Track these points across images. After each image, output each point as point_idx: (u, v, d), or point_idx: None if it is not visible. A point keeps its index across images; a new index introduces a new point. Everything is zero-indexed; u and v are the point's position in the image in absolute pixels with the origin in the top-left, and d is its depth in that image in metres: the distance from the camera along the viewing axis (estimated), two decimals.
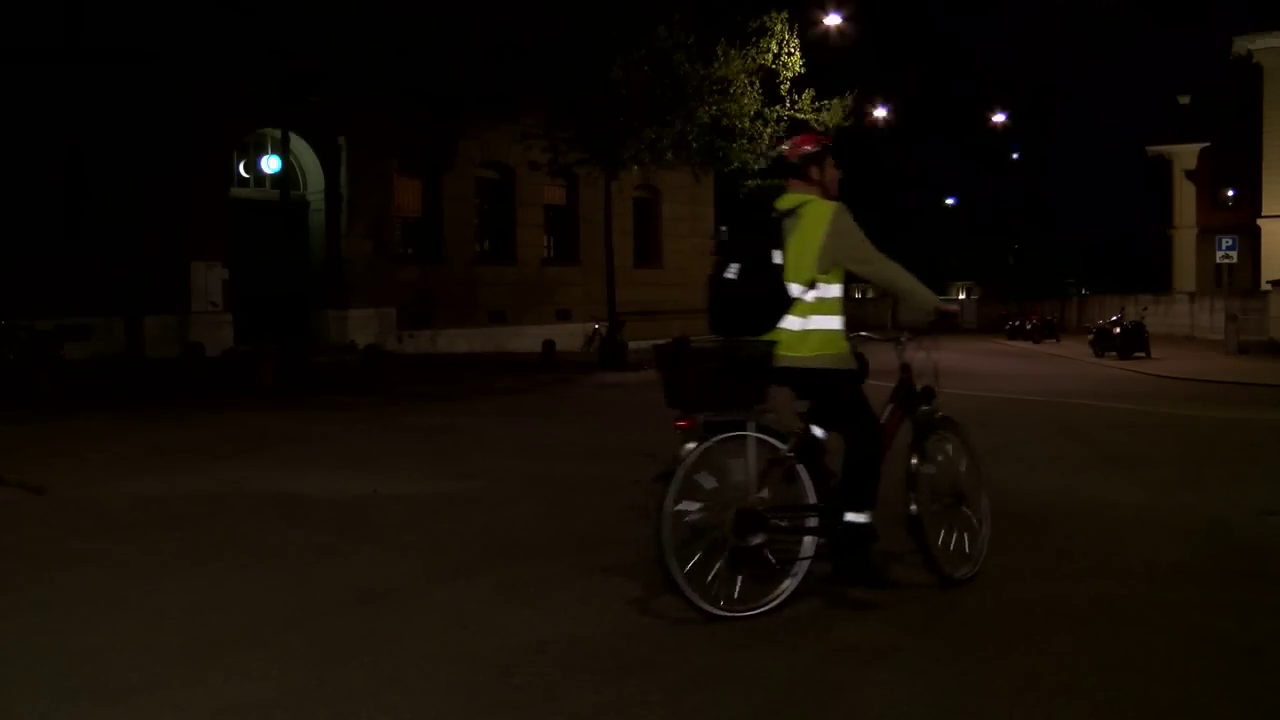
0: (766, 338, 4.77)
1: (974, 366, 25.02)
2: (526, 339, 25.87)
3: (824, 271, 4.78)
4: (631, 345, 23.17)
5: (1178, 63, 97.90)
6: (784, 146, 5.04)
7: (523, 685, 4.08)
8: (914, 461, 5.19)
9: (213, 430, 11.34)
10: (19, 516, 7.05)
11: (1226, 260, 33.76)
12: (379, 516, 7.15)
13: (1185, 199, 50.77)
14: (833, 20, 26.32)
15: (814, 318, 4.77)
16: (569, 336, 27.09)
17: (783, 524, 4.82)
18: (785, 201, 4.94)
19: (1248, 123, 40.91)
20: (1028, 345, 35.39)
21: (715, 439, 4.68)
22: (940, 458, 5.37)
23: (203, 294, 20.06)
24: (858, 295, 74.43)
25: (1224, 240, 33.63)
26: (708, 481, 4.67)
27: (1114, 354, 26.57)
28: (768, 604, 4.75)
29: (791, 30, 22.42)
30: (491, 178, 27.32)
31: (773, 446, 4.79)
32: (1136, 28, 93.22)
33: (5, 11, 17.69)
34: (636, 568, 5.84)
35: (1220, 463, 9.87)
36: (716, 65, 21.64)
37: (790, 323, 4.76)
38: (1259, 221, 40.16)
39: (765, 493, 4.74)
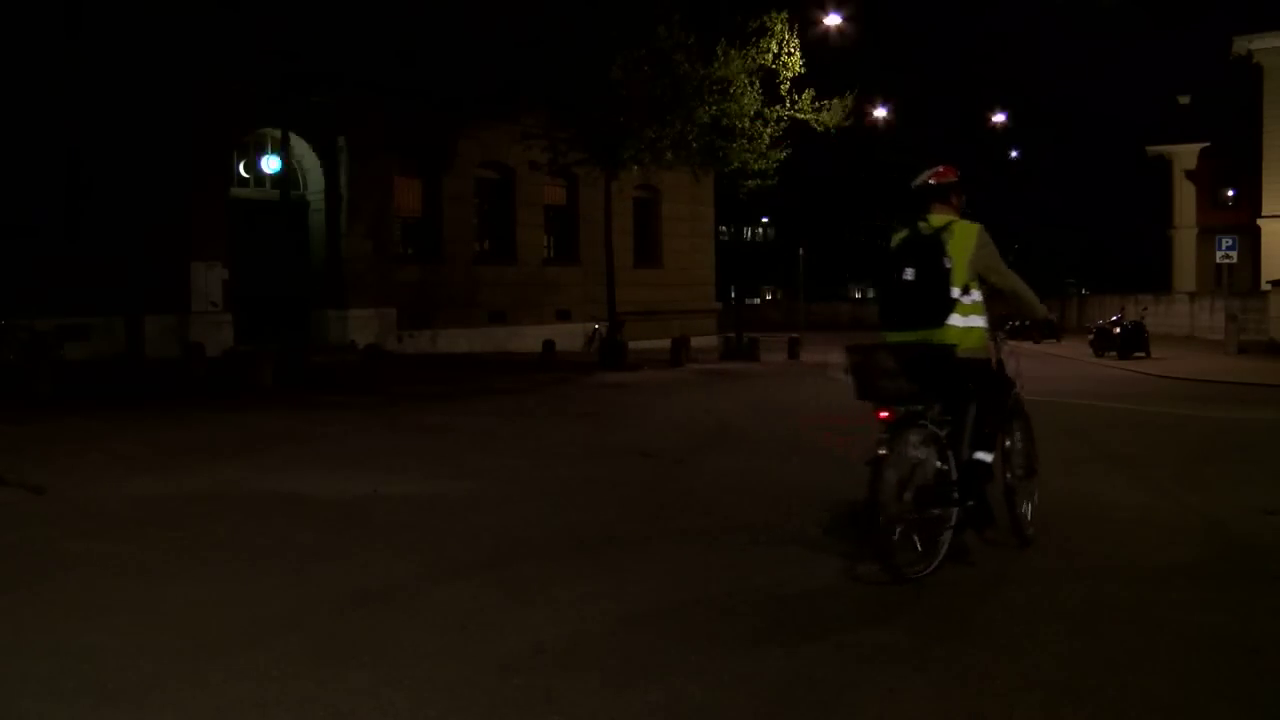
0: (936, 334, 5.58)
1: None
2: (526, 339, 25.86)
3: (972, 280, 5.69)
4: (632, 345, 23.15)
5: (1178, 63, 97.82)
6: (929, 178, 6.05)
7: (523, 685, 4.08)
8: (1008, 442, 6.12)
9: (213, 430, 11.34)
10: (19, 516, 7.05)
11: (1226, 260, 33.74)
12: (379, 516, 7.16)
13: (1185, 199, 50.74)
14: (833, 20, 26.27)
15: (972, 317, 5.71)
16: (569, 336, 27.08)
17: (944, 497, 5.57)
18: (936, 220, 5.83)
19: (1248, 123, 40.89)
20: (1028, 345, 35.30)
21: (906, 427, 5.42)
22: (1019, 437, 6.30)
23: (203, 294, 20.05)
24: (856, 295, 74.56)
25: (1224, 240, 33.62)
26: (899, 464, 5.36)
27: (1114, 354, 26.56)
28: (933, 566, 5.43)
29: (791, 30, 22.39)
30: (491, 178, 27.31)
31: (937, 433, 5.55)
32: (1136, 28, 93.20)
33: (6, 12, 17.69)
34: (637, 567, 5.85)
35: (1220, 463, 9.87)
36: (716, 65, 21.62)
37: (955, 320, 5.62)
38: (1259, 221, 40.16)
39: (933, 473, 5.53)
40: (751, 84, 22.10)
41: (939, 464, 5.52)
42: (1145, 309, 34.12)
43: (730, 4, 22.48)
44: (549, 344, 22.37)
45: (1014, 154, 52.48)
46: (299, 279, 21.37)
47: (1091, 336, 29.02)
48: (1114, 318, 29.20)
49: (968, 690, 4.07)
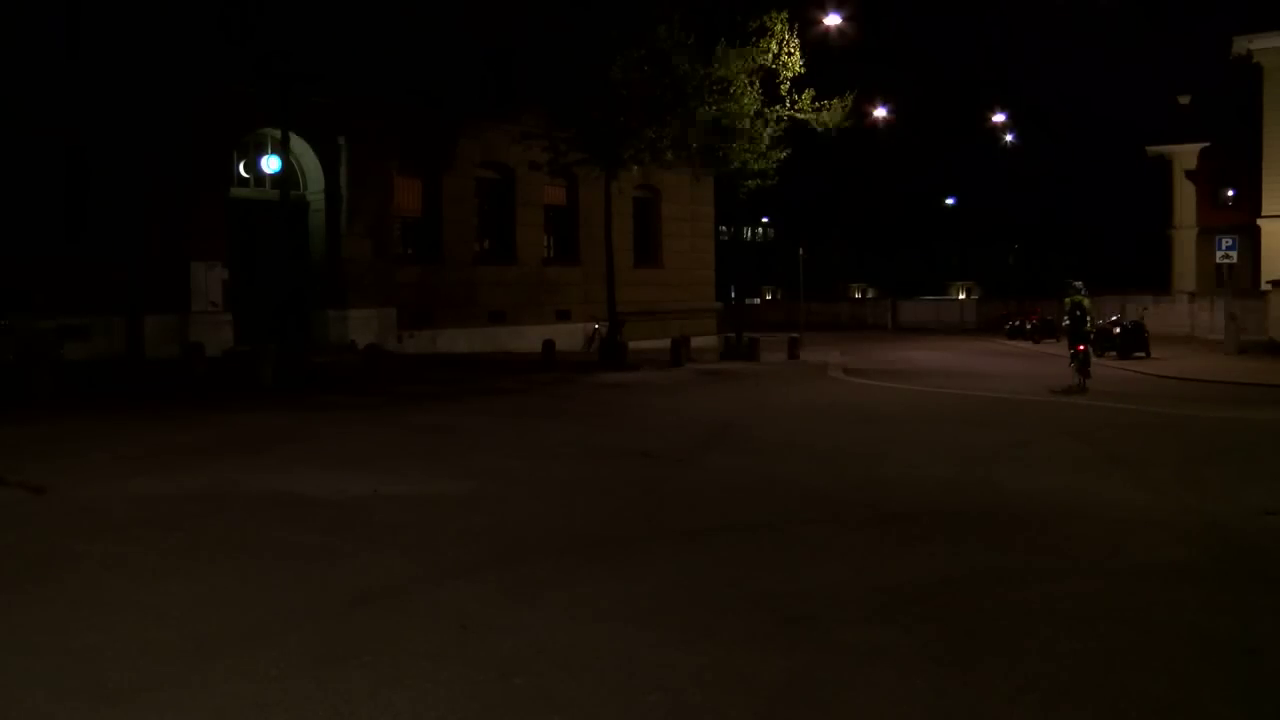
0: (1088, 330, 18.51)
1: (974, 366, 25.01)
2: (526, 339, 25.83)
3: (1092, 313, 18.68)
4: (632, 345, 23.14)
5: (1178, 63, 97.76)
6: (1077, 283, 18.76)
7: (523, 685, 4.09)
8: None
9: (213, 430, 11.34)
10: (19, 516, 7.05)
11: (1226, 260, 33.71)
12: (379, 516, 7.15)
13: (1185, 199, 50.65)
14: (833, 20, 26.23)
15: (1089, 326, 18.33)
16: (569, 336, 27.05)
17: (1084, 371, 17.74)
18: (1079, 298, 18.29)
19: (1248, 123, 40.81)
20: (1028, 345, 35.39)
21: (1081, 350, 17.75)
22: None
23: (203, 294, 20.02)
24: (856, 295, 74.55)
25: (1224, 240, 33.57)
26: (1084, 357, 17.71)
27: (1114, 354, 26.56)
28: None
29: (791, 30, 22.38)
30: (491, 178, 27.26)
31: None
32: (1136, 28, 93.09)
33: (7, 13, 17.68)
34: (637, 568, 5.85)
35: (1220, 463, 9.87)
36: (716, 65, 21.60)
37: (1087, 327, 18.45)
38: (1259, 221, 40.07)
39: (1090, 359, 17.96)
40: (751, 84, 22.08)
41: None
42: (1145, 309, 34.06)
43: (730, 4, 22.45)
44: (549, 344, 22.35)
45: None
46: (299, 279, 21.33)
47: (1091, 336, 28.97)
48: (1114, 318, 29.18)
49: (968, 690, 4.07)
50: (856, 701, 3.95)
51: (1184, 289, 45.14)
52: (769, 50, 22.03)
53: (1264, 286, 34.13)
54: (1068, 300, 18.54)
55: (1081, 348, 17.81)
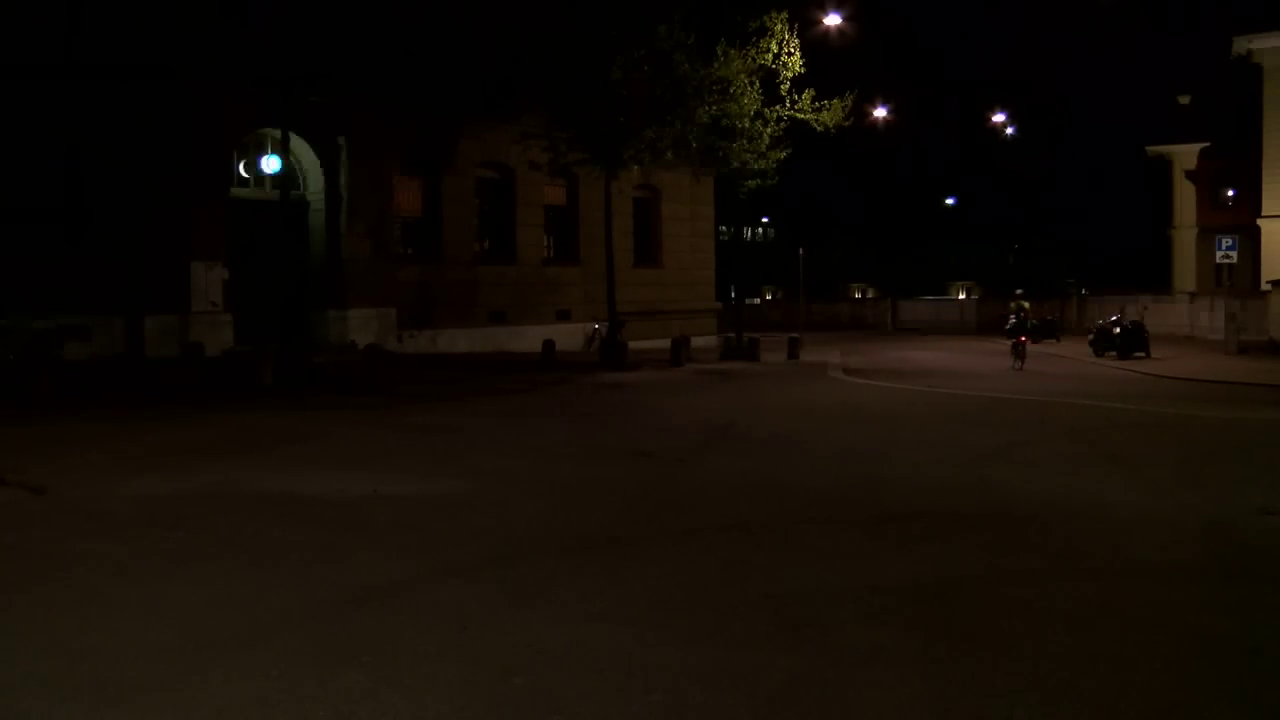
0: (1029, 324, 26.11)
1: (974, 366, 25.02)
2: (526, 339, 25.82)
3: (1031, 315, 26.79)
4: (632, 345, 23.14)
5: (1178, 63, 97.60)
6: (1022, 297, 28.24)
7: (523, 685, 4.09)
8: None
9: (213, 430, 11.34)
10: (19, 516, 7.05)
11: (1226, 260, 33.67)
12: (379, 516, 7.16)
13: (1185, 199, 50.64)
14: (833, 20, 26.22)
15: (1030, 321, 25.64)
16: (569, 336, 27.05)
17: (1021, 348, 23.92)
18: (1023, 304, 24.77)
19: (1248, 123, 40.81)
20: (1027, 346, 35.35)
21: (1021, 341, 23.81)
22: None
23: (203, 294, 20.01)
24: (856, 295, 74.54)
25: (1224, 240, 33.57)
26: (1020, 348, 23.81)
27: (1114, 354, 26.56)
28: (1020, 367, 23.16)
29: (791, 30, 22.39)
30: (491, 178, 27.26)
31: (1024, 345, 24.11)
32: (1136, 28, 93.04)
33: (7, 14, 17.68)
34: (637, 567, 5.85)
35: (1220, 463, 9.87)
36: (716, 65, 21.61)
37: (1029, 322, 25.62)
38: (1259, 221, 40.07)
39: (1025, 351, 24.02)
40: (751, 84, 22.09)
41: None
42: (1145, 309, 34.06)
43: (730, 4, 22.46)
44: (549, 344, 22.34)
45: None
46: (299, 279, 21.32)
47: (1091, 336, 28.99)
48: (1114, 318, 29.17)
49: (968, 690, 4.07)
50: (856, 701, 3.95)
51: (1184, 289, 45.15)
52: (769, 50, 22.04)
53: (1264, 286, 34.12)
54: (1013, 304, 25.22)
55: (1024, 339, 23.73)
